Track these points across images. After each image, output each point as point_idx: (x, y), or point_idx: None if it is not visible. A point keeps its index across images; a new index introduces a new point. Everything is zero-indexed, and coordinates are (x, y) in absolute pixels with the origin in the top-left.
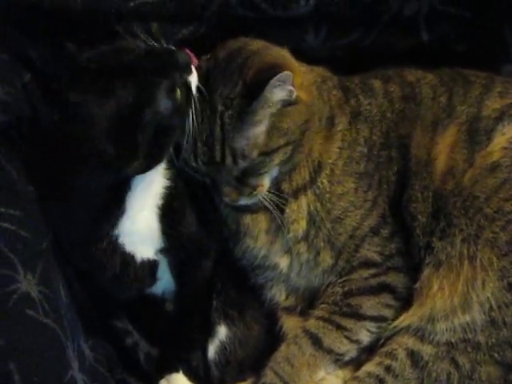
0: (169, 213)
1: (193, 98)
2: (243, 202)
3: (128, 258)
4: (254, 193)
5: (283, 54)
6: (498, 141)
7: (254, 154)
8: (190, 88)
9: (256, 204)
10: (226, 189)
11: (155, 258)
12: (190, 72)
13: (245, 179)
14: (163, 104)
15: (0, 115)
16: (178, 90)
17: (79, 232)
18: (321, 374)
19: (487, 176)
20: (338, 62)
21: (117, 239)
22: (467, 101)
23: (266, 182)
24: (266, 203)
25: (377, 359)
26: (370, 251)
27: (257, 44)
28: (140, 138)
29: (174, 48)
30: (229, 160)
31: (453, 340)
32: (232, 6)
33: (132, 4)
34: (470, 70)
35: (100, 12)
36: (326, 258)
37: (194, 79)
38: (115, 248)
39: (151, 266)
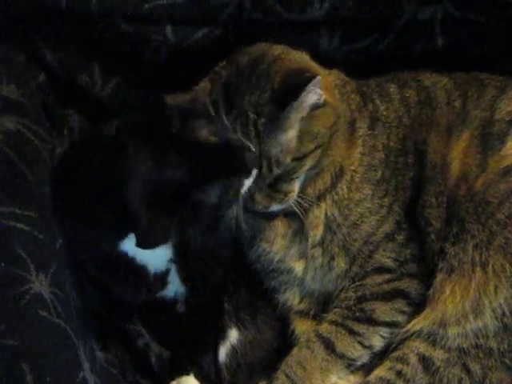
0: (178, 224)
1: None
2: (275, 208)
3: (140, 270)
4: (286, 198)
5: (304, 57)
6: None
7: (288, 159)
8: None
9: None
10: (258, 196)
11: (167, 266)
12: (250, 175)
13: (277, 186)
14: (212, 198)
15: (14, 116)
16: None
17: (90, 244)
18: (333, 378)
19: (499, 181)
20: (352, 66)
21: (127, 253)
22: (481, 104)
23: (296, 187)
24: (296, 208)
25: (388, 364)
26: (385, 257)
27: (277, 49)
28: (175, 217)
29: (246, 144)
30: (264, 169)
31: (464, 345)
32: (246, 9)
33: (147, 6)
34: (486, 74)
35: (115, 14)
36: (341, 263)
37: (250, 180)
38: (126, 261)
39: (162, 274)
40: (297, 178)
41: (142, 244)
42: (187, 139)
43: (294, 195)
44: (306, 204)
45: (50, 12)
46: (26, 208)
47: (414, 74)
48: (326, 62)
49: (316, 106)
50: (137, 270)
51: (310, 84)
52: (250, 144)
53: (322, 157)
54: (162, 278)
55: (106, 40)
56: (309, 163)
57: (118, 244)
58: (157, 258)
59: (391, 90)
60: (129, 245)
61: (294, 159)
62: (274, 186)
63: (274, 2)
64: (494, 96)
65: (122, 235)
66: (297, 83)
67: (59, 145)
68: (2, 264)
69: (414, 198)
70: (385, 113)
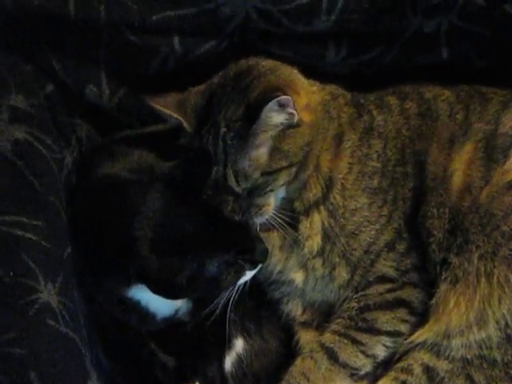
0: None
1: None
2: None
3: (150, 316)
4: (260, 212)
5: (291, 75)
6: None
7: (257, 174)
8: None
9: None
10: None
11: (176, 308)
12: (254, 268)
13: (251, 199)
14: (210, 271)
15: (23, 126)
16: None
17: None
18: None
19: (504, 194)
20: (358, 78)
21: (139, 301)
22: (484, 118)
23: (271, 201)
24: (274, 222)
25: (392, 374)
26: (386, 266)
27: (266, 65)
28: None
29: (261, 240)
30: (231, 181)
31: (468, 356)
32: (253, 20)
33: (155, 18)
34: (488, 88)
35: (123, 24)
36: (342, 273)
37: (252, 273)
38: (137, 308)
39: (171, 317)
40: (271, 191)
41: (159, 291)
42: (210, 207)
43: (269, 209)
44: (286, 219)
45: (58, 22)
46: (33, 217)
47: (415, 87)
48: (333, 74)
49: (289, 126)
50: (147, 315)
51: (272, 103)
52: (217, 155)
53: (299, 173)
54: (169, 318)
55: (113, 50)
56: (282, 179)
57: (128, 291)
58: (168, 305)
59: (391, 102)
60: (141, 293)
61: (263, 174)
62: (247, 199)
63: (281, 14)
64: (497, 110)
65: (131, 282)
66: (259, 102)
67: (68, 154)
68: (11, 273)
69: (414, 209)
70: (381, 123)
